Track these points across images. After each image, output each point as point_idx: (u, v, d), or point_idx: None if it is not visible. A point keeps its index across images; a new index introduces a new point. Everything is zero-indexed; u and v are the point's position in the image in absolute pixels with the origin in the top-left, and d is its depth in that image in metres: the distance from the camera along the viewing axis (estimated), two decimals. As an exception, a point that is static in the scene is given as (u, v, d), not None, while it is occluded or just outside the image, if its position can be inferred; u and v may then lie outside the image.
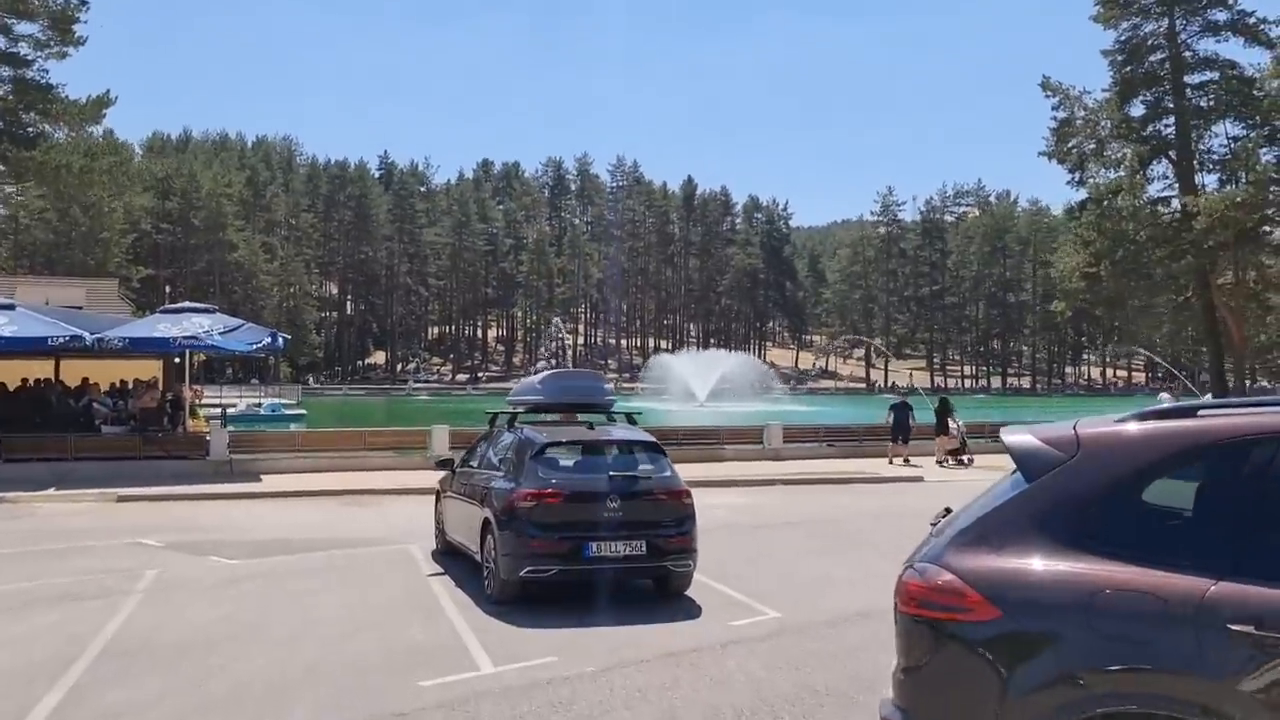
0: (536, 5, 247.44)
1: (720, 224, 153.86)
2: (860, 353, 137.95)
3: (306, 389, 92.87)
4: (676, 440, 23.12)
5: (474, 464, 11.37)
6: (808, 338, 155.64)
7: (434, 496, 12.48)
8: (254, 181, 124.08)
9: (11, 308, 20.77)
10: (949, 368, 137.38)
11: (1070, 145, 42.03)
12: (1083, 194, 42.65)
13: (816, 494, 19.33)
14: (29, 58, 34.04)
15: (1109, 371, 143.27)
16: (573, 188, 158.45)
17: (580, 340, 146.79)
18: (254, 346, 21.96)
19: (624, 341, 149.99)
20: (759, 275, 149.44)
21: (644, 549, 9.21)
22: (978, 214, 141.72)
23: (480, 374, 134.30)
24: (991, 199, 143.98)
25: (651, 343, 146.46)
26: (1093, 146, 41.76)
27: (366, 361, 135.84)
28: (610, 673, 7.17)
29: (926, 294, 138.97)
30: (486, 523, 9.66)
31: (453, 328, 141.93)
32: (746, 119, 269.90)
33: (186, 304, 23.30)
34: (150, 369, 28.92)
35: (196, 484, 19.15)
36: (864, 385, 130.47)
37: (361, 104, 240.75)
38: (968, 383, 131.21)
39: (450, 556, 11.58)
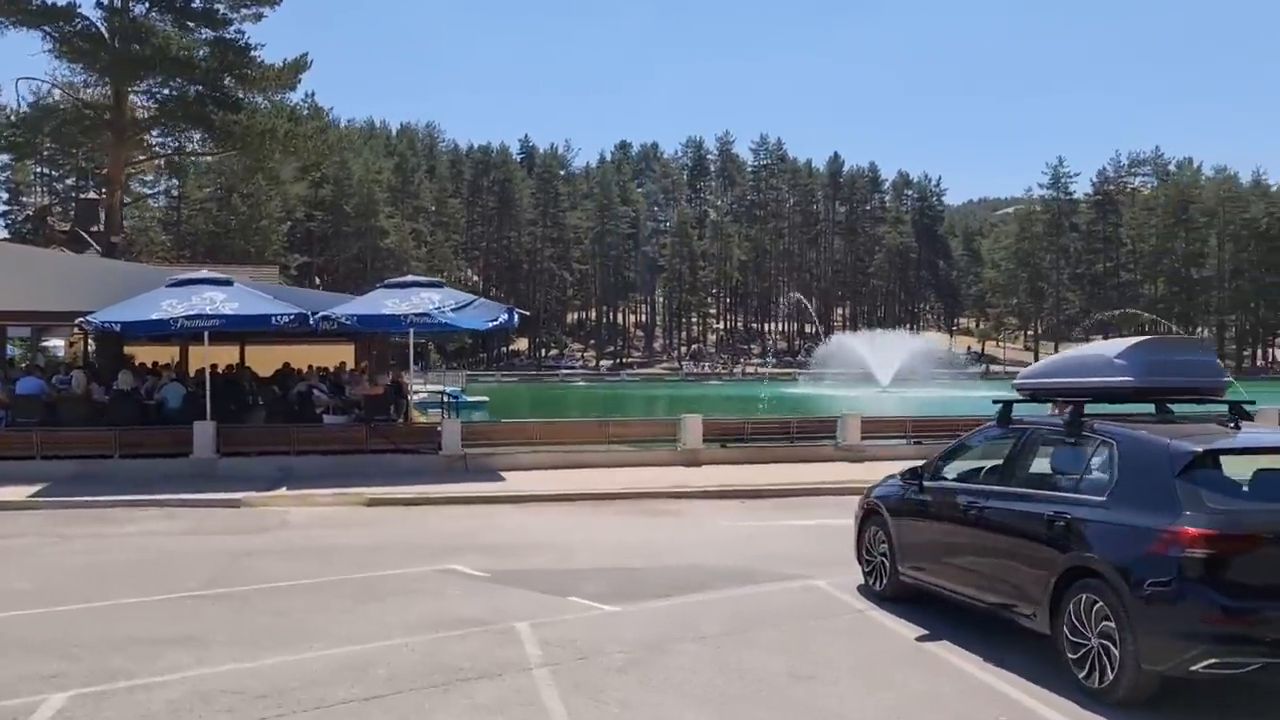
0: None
1: (868, 202, 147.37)
2: (1022, 335, 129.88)
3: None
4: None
5: (951, 476, 7.93)
6: (959, 320, 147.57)
7: (860, 513, 9.03)
8: (401, 168, 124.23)
9: (229, 283, 18.41)
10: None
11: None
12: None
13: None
14: (226, 16, 32.19)
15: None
16: (712, 169, 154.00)
17: (721, 325, 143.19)
18: (490, 324, 19.00)
19: (767, 326, 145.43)
20: (910, 254, 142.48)
21: (1391, 632, 5.56)
22: (1156, 184, 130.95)
23: (623, 359, 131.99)
24: (1171, 167, 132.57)
25: (794, 326, 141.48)
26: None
27: (509, 348, 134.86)
28: None
29: (1100, 271, 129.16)
30: (1075, 575, 6.15)
31: (594, 313, 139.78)
32: (890, 96, 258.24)
33: (411, 278, 20.52)
34: (342, 353, 26.63)
35: (438, 482, 16.61)
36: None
37: (500, 88, 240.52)
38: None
39: (907, 604, 8.16)
